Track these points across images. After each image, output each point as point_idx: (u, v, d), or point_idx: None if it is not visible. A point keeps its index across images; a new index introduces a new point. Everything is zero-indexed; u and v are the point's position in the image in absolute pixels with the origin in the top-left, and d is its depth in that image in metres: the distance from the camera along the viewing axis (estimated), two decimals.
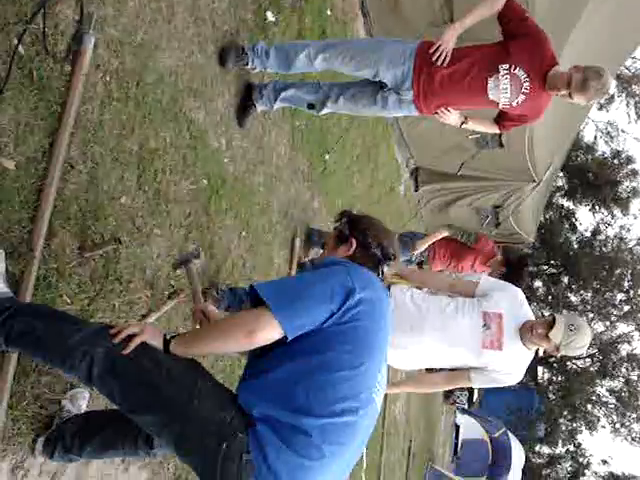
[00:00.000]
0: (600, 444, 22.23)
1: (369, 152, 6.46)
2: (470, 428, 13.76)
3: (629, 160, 17.31)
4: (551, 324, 2.79)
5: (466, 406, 14.37)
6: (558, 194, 18.29)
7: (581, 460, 20.44)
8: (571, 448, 20.69)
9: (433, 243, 5.56)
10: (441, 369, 3.25)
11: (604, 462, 20.73)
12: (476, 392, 14.64)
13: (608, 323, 19.63)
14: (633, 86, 16.66)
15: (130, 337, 1.69)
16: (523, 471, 14.35)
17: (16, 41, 1.94)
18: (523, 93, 2.97)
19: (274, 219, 4.00)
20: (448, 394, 13.73)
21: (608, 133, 17.86)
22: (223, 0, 3.25)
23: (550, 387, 21.53)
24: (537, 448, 20.88)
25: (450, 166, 7.43)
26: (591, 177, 17.10)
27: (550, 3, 4.59)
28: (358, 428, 1.69)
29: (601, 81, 2.86)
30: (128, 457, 2.34)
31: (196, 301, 2.18)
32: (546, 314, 15.86)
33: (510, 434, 13.66)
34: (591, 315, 19.12)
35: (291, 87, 3.41)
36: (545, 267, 20.07)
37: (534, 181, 7.09)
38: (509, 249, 6.09)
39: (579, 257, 17.93)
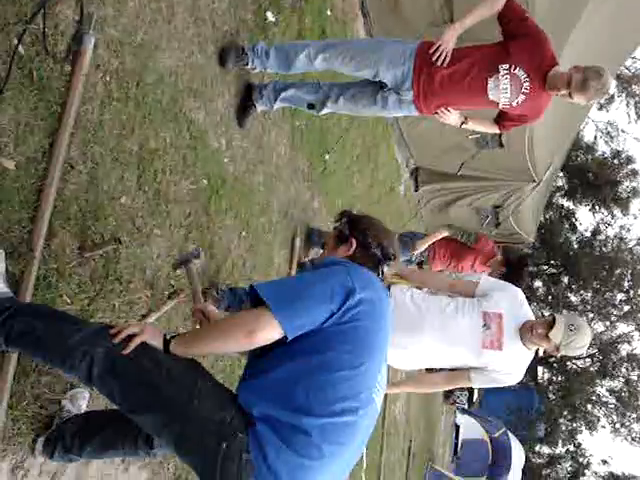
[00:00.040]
0: (600, 444, 22.26)
1: (369, 152, 6.46)
2: (470, 428, 13.76)
3: (629, 160, 17.31)
4: (551, 324, 2.80)
5: (466, 406, 14.36)
6: (558, 194, 18.29)
7: (581, 460, 20.44)
8: (571, 448, 20.69)
9: (433, 243, 5.56)
10: (441, 369, 3.25)
11: (604, 462, 20.74)
12: (476, 392, 14.63)
13: (608, 323, 19.63)
14: (633, 86, 16.66)
15: (130, 337, 1.69)
16: (523, 471, 14.35)
17: (16, 41, 1.94)
18: (523, 93, 2.97)
19: (274, 219, 4.00)
20: (448, 394, 13.72)
21: (608, 133, 17.87)
22: (223, 0, 3.25)
23: (550, 387, 21.53)
24: (537, 448, 20.87)
25: (450, 166, 7.43)
26: (591, 177, 17.10)
27: (550, 3, 4.59)
28: (358, 428, 1.69)
29: (601, 81, 2.86)
30: (128, 457, 2.34)
31: (196, 301, 2.18)
32: (546, 314, 15.86)
33: (510, 434, 13.65)
34: (591, 315, 19.11)
35: (291, 87, 3.41)
36: (545, 267, 20.07)
37: (534, 181, 7.09)
38: (509, 249, 6.09)
39: (579, 257, 17.93)
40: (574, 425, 20.39)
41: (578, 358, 19.33)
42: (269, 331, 1.63)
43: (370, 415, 1.74)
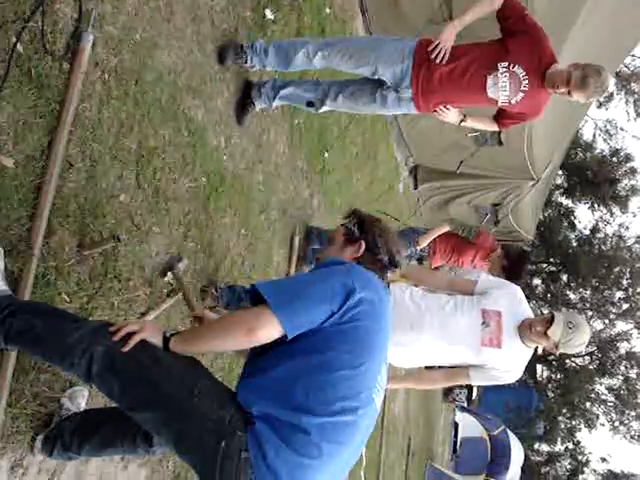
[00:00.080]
0: (599, 442, 22.32)
1: (368, 150, 6.46)
2: (469, 426, 13.78)
3: (628, 158, 17.31)
4: (550, 322, 2.80)
5: (465, 404, 14.38)
6: (557, 192, 18.31)
7: (580, 458, 20.47)
8: (570, 446, 20.72)
9: (434, 238, 5.56)
10: (440, 367, 3.25)
11: (603, 460, 20.79)
12: (475, 390, 14.65)
13: (607, 321, 19.65)
14: (632, 84, 16.68)
15: (129, 335, 1.69)
16: (522, 469, 14.37)
17: (15, 39, 1.93)
18: (522, 91, 2.97)
19: (273, 217, 4.00)
20: (447, 392, 13.75)
21: (607, 131, 17.90)
22: None
23: (549, 385, 21.55)
24: (536, 446, 20.91)
25: (449, 164, 7.43)
26: (590, 175, 17.11)
27: (549, 1, 4.59)
28: (357, 428, 1.69)
29: (600, 79, 2.86)
30: (127, 455, 2.34)
31: (192, 308, 2.17)
32: (545, 312, 15.89)
33: (509, 432, 13.67)
34: (590, 313, 19.14)
35: (290, 85, 3.40)
36: (544, 265, 20.10)
37: (533, 179, 7.09)
38: (508, 247, 6.08)
39: (578, 255, 17.95)
40: (573, 423, 20.43)
41: (577, 356, 19.36)
42: (269, 329, 1.62)
43: (370, 415, 1.74)
